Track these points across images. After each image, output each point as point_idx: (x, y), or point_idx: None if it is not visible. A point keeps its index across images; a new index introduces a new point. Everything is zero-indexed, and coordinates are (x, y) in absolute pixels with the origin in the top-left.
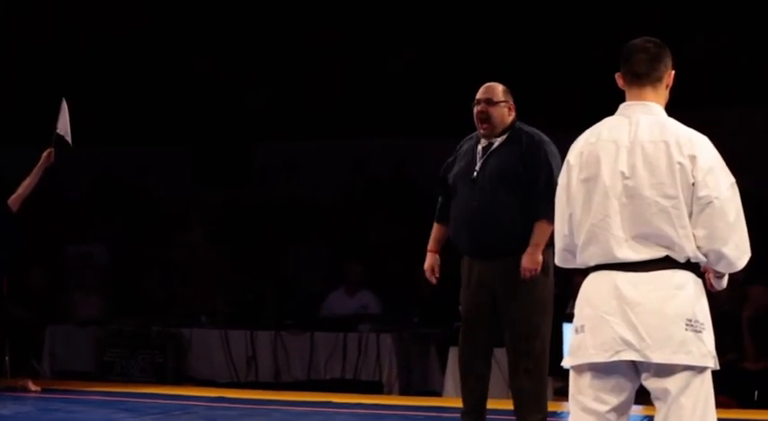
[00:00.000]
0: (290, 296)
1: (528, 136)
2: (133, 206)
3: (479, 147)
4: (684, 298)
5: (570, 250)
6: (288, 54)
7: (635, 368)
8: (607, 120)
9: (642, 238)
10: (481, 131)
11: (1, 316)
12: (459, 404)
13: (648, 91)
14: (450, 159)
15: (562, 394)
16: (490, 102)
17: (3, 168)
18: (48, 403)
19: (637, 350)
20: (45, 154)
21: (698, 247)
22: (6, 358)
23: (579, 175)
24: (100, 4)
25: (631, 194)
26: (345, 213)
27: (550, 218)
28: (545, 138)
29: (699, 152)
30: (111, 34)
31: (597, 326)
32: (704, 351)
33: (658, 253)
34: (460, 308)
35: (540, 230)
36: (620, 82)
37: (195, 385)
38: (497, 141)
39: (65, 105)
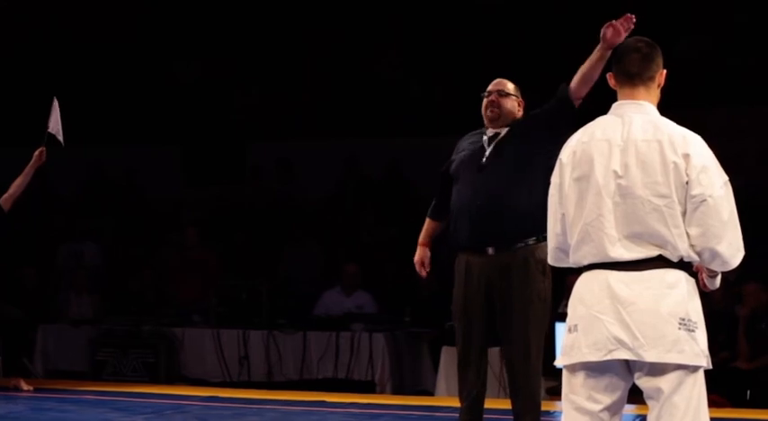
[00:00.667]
0: (282, 295)
1: (525, 117)
2: (125, 205)
3: (485, 138)
4: (677, 297)
5: (563, 249)
6: (281, 53)
7: (628, 367)
8: (600, 120)
9: (635, 237)
10: (488, 114)
11: None
12: (451, 403)
13: (641, 90)
14: (454, 152)
15: (555, 393)
16: (501, 93)
17: None
18: (40, 402)
19: (630, 349)
20: (36, 153)
21: (692, 246)
22: None
23: (572, 175)
24: (92, 4)
25: (624, 193)
26: (338, 212)
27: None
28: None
29: (692, 151)
30: (103, 34)
31: (590, 326)
32: (697, 350)
33: (651, 252)
34: (453, 306)
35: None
36: (611, 82)
37: (188, 384)
38: (504, 131)
39: (56, 105)
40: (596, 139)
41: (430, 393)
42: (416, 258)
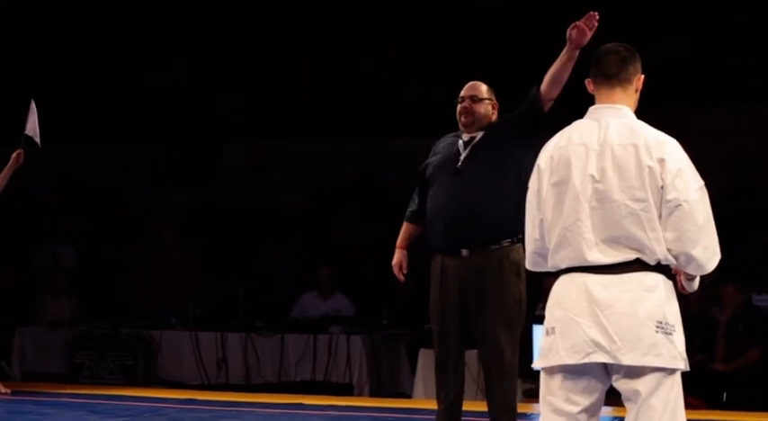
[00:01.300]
0: (260, 298)
1: (501, 120)
2: (103, 207)
3: (461, 142)
4: (655, 300)
5: (541, 254)
6: (259, 57)
7: (605, 369)
8: (577, 124)
9: (612, 241)
10: (462, 121)
11: None
12: (429, 405)
13: (618, 92)
14: (430, 155)
15: (532, 396)
16: (475, 98)
17: None
18: (17, 405)
19: (607, 352)
20: (14, 155)
21: (668, 250)
22: None
23: (550, 180)
24: (69, 7)
25: (602, 198)
26: (316, 215)
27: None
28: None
29: (667, 155)
30: (81, 36)
31: (568, 328)
32: (674, 353)
33: (629, 255)
34: (430, 308)
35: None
36: (589, 87)
37: (165, 387)
38: (479, 135)
39: (33, 107)
40: (573, 144)
41: (408, 395)
42: (394, 261)
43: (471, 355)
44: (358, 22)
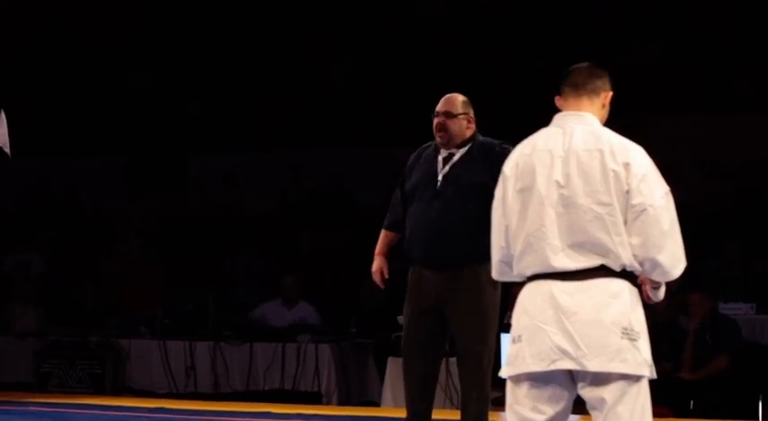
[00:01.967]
0: (229, 307)
1: (490, 146)
2: (70, 217)
3: (440, 158)
4: (620, 306)
5: (507, 262)
6: (224, 65)
7: (571, 377)
8: (542, 131)
9: (578, 247)
10: (438, 139)
11: None
12: (397, 414)
13: (585, 101)
14: (408, 165)
15: (498, 404)
16: (449, 114)
17: None
18: None
19: (573, 359)
20: None
21: (633, 256)
22: None
23: (515, 186)
24: (36, 17)
25: (567, 203)
26: (282, 224)
27: None
28: (507, 145)
29: (632, 160)
30: (48, 46)
31: (534, 336)
32: (640, 359)
33: (594, 261)
34: (402, 317)
35: None
36: (558, 103)
37: (134, 396)
38: (458, 153)
39: (2, 116)
40: (538, 150)
41: (376, 404)
42: (374, 268)
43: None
44: (323, 33)
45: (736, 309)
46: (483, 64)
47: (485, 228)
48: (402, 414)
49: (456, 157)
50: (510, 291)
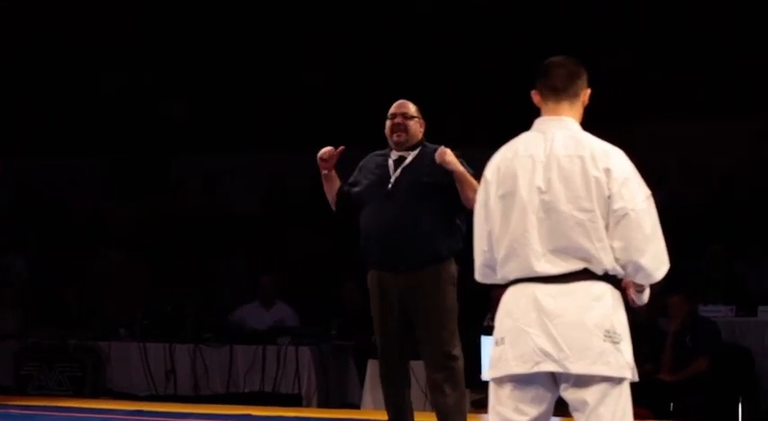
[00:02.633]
0: (209, 309)
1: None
2: (51, 219)
3: (390, 161)
4: (602, 309)
5: (490, 266)
6: (207, 67)
7: (554, 379)
8: (523, 136)
9: (560, 252)
10: (394, 139)
11: None
12: (377, 416)
13: (565, 106)
14: (355, 175)
15: (481, 406)
16: (406, 115)
17: None
18: None
19: (556, 361)
20: None
21: (616, 259)
22: None
23: (497, 192)
24: (15, 18)
25: (548, 209)
26: (265, 226)
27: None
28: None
29: (613, 165)
30: (28, 48)
31: (517, 338)
32: (622, 362)
33: (576, 266)
34: (373, 321)
35: (471, 178)
36: (535, 98)
37: (114, 398)
38: (410, 156)
39: None
40: (520, 156)
41: (356, 406)
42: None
43: (419, 366)
44: (306, 36)
45: (716, 312)
46: (463, 66)
47: (439, 228)
48: (381, 416)
49: (408, 160)
50: (491, 294)
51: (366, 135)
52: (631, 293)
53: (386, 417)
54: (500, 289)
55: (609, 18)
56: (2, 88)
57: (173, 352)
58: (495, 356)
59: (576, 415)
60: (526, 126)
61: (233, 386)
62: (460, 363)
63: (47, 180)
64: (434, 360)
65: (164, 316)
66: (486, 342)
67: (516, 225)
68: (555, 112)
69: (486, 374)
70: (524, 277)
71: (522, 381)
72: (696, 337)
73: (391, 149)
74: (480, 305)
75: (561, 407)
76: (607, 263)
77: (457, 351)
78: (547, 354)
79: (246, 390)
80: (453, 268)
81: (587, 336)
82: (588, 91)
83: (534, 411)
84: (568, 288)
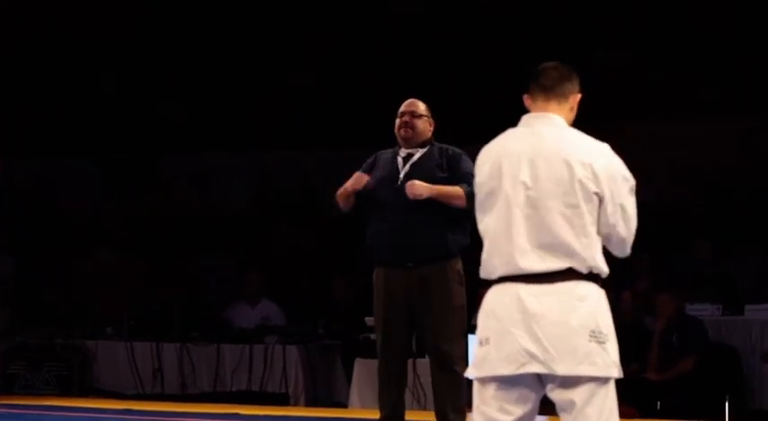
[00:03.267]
0: (197, 307)
1: (446, 149)
2: (39, 218)
3: (399, 158)
4: (587, 309)
5: None
6: (197, 65)
7: (539, 379)
8: (510, 132)
9: (545, 248)
10: (401, 134)
11: None
12: (364, 415)
13: (553, 105)
14: (365, 166)
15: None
16: (414, 114)
17: None
18: None
19: (541, 362)
20: None
21: (598, 233)
22: None
23: (484, 189)
24: (5, 18)
25: (534, 205)
26: (254, 225)
27: (466, 194)
28: (459, 150)
29: (598, 161)
30: (18, 47)
31: (502, 339)
32: (609, 361)
33: (561, 263)
34: (374, 319)
35: (451, 188)
36: (527, 102)
37: (101, 397)
38: (418, 153)
39: None
40: (506, 153)
41: (344, 405)
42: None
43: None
44: (295, 35)
45: (703, 310)
46: (451, 65)
47: (447, 225)
48: (369, 415)
49: (416, 157)
50: (477, 293)
51: (355, 134)
52: None
53: (373, 416)
54: (485, 287)
55: (600, 17)
56: None
57: (160, 351)
58: (480, 356)
59: (563, 415)
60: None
61: (220, 385)
62: (461, 355)
63: (35, 179)
64: (438, 360)
65: (151, 315)
66: (472, 340)
67: (500, 221)
68: (543, 110)
69: (469, 373)
70: (509, 274)
71: (506, 381)
72: (683, 336)
73: (400, 147)
74: (469, 303)
75: (547, 406)
76: (590, 259)
77: (461, 352)
78: (532, 356)
79: (234, 389)
80: (460, 266)
81: (572, 337)
82: (578, 96)
83: (519, 411)
84: (552, 288)
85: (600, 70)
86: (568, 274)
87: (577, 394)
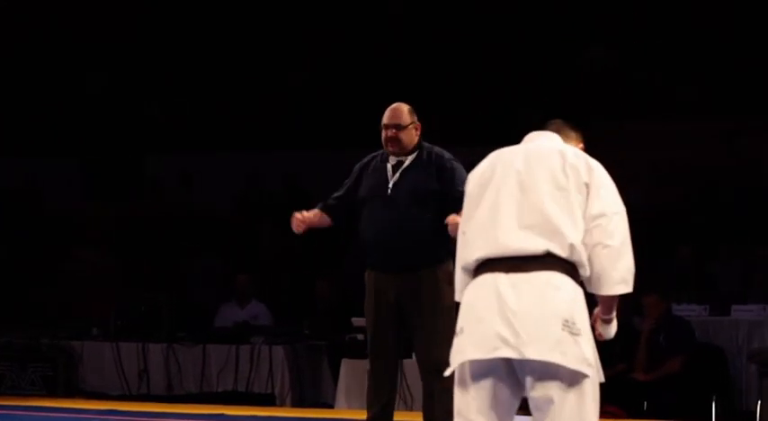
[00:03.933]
0: (183, 308)
1: (437, 155)
2: (25, 218)
3: (389, 166)
4: (562, 298)
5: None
6: (181, 66)
7: (516, 377)
8: (504, 148)
9: (530, 228)
10: (389, 150)
11: None
12: (351, 416)
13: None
14: (356, 171)
15: None
16: (399, 127)
17: None
18: None
19: (512, 347)
20: None
21: (584, 244)
22: None
23: (474, 185)
24: None
25: (525, 187)
26: (239, 225)
27: None
28: (448, 154)
29: (594, 164)
30: (2, 46)
31: (476, 326)
32: (580, 356)
33: (541, 244)
34: (359, 319)
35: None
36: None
37: (86, 398)
38: (408, 160)
39: None
40: (502, 156)
41: (330, 406)
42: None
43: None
44: (284, 35)
45: (690, 311)
46: (439, 66)
47: (436, 231)
48: (356, 415)
49: (406, 164)
50: None
51: (342, 135)
52: (598, 326)
53: (359, 416)
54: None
55: (584, 16)
56: None
57: (146, 351)
58: (455, 348)
59: (536, 414)
60: (509, 126)
61: (206, 385)
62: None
63: (20, 179)
64: (428, 365)
65: (137, 315)
66: None
67: (487, 205)
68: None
69: (447, 370)
70: (487, 256)
71: (482, 374)
72: (670, 337)
73: (389, 155)
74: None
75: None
76: (573, 239)
77: (449, 351)
78: (504, 340)
79: (220, 390)
80: (451, 268)
81: (544, 324)
82: (580, 146)
83: (500, 412)
84: (528, 276)
85: (581, 70)
86: (547, 261)
87: (553, 390)
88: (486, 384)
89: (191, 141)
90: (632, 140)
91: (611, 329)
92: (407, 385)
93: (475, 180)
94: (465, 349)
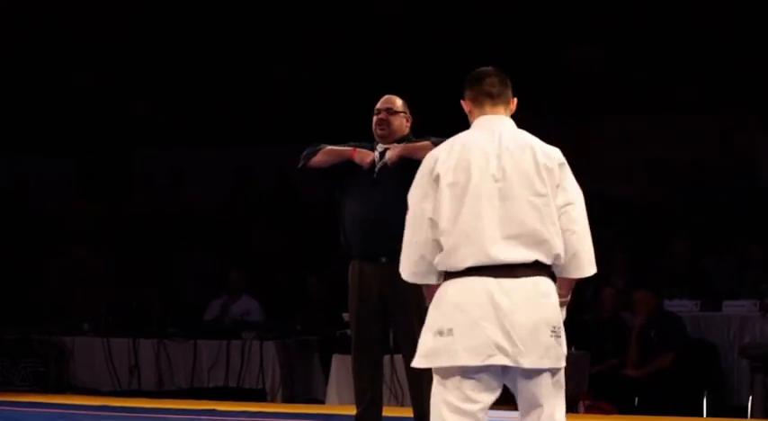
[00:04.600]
0: (173, 304)
1: None
2: (16, 216)
3: (376, 152)
4: (552, 306)
5: (428, 258)
6: (171, 62)
7: (502, 370)
8: (467, 133)
9: (515, 238)
10: (378, 132)
11: None
12: (342, 411)
13: (501, 109)
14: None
15: None
16: (390, 111)
17: None
18: None
19: (509, 355)
20: None
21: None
22: None
23: (446, 181)
24: None
25: (504, 196)
26: (230, 221)
27: (434, 144)
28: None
29: (559, 158)
30: None
31: (470, 331)
32: (561, 354)
33: (529, 255)
34: (348, 314)
35: (419, 144)
36: (467, 106)
37: (77, 394)
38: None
39: None
40: (471, 148)
41: (321, 401)
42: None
43: (386, 361)
44: (273, 29)
45: (681, 306)
46: (428, 63)
47: None
48: (347, 411)
49: None
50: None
51: (333, 132)
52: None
53: (350, 412)
54: (430, 287)
55: (578, 11)
56: None
57: (137, 347)
58: (439, 346)
59: (520, 400)
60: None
61: (197, 381)
62: None
63: (10, 177)
64: (412, 354)
65: (128, 311)
66: None
67: (469, 212)
68: (494, 113)
69: (420, 363)
70: (478, 265)
71: (471, 372)
72: (661, 332)
73: (377, 143)
74: None
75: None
76: (558, 248)
77: None
78: (500, 349)
79: (211, 385)
80: None
81: (537, 332)
82: (515, 100)
83: (485, 399)
84: (520, 283)
85: (577, 67)
86: (534, 268)
87: (536, 384)
88: (474, 378)
89: (181, 138)
90: (630, 138)
91: (563, 312)
92: (398, 380)
93: (444, 171)
94: (457, 353)
